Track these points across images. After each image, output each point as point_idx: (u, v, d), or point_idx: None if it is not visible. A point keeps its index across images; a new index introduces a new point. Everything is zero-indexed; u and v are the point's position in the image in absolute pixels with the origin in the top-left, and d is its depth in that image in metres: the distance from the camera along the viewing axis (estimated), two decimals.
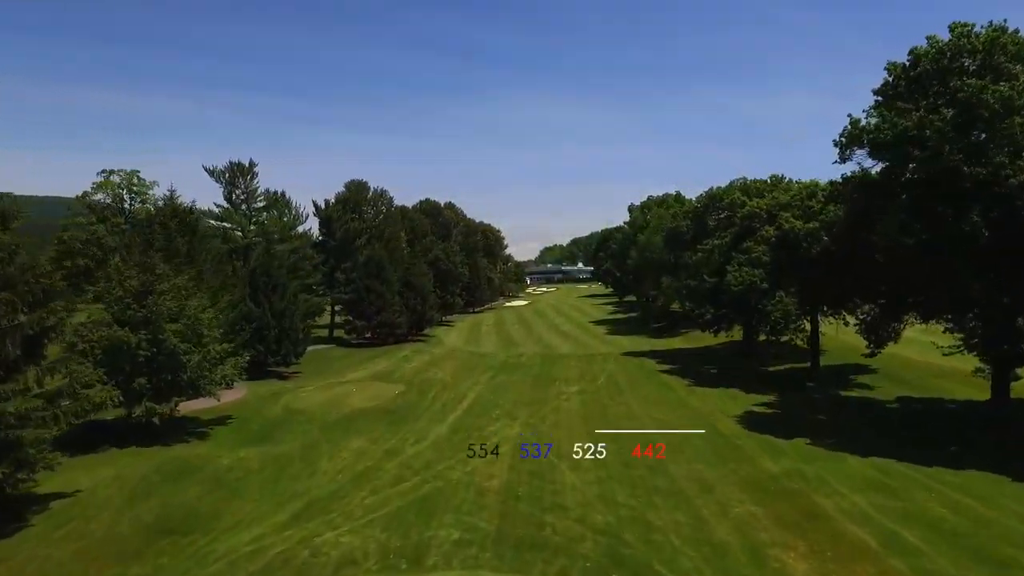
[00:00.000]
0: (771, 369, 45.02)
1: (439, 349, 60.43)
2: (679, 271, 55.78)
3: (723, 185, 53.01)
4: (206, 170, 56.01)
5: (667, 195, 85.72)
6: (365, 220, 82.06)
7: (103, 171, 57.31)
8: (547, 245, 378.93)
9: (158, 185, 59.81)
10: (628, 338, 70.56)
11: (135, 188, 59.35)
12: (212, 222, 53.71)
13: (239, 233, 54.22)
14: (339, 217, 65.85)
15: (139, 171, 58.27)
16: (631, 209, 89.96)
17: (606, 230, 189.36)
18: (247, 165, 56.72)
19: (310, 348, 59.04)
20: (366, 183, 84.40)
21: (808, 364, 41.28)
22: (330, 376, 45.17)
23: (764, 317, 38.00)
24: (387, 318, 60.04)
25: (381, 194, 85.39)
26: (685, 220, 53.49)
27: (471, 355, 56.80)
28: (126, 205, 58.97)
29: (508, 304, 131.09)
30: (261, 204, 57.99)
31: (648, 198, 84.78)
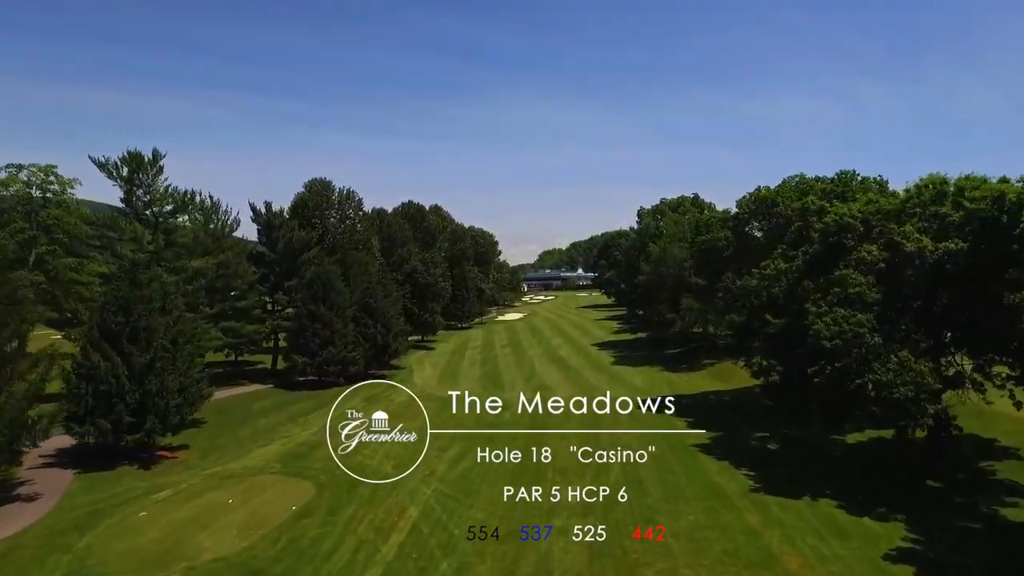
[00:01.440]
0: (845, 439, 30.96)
1: (400, 395, 46.32)
2: (711, 295, 41.81)
3: (770, 185, 39.12)
4: (94, 162, 41.88)
5: (683, 198, 71.71)
6: (328, 227, 68.16)
7: (9, 165, 43.69)
8: (547, 248, 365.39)
9: (80, 183, 45.97)
10: (640, 371, 56.45)
11: (48, 186, 45.37)
12: (88, 228, 39.80)
13: (132, 246, 40.00)
14: (282, 224, 51.74)
15: (56, 166, 44.46)
16: (641, 214, 75.83)
17: (608, 235, 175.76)
18: (150, 157, 42.66)
19: (235, 392, 45.11)
20: (330, 182, 70.54)
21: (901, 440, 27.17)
22: (228, 453, 31.07)
23: (874, 388, 23.68)
24: (334, 354, 45.96)
25: (348, 196, 71.41)
26: (723, 230, 39.44)
27: (440, 406, 42.85)
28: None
29: (501, 317, 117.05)
30: (169, 208, 43.86)
31: (661, 201, 71.00)
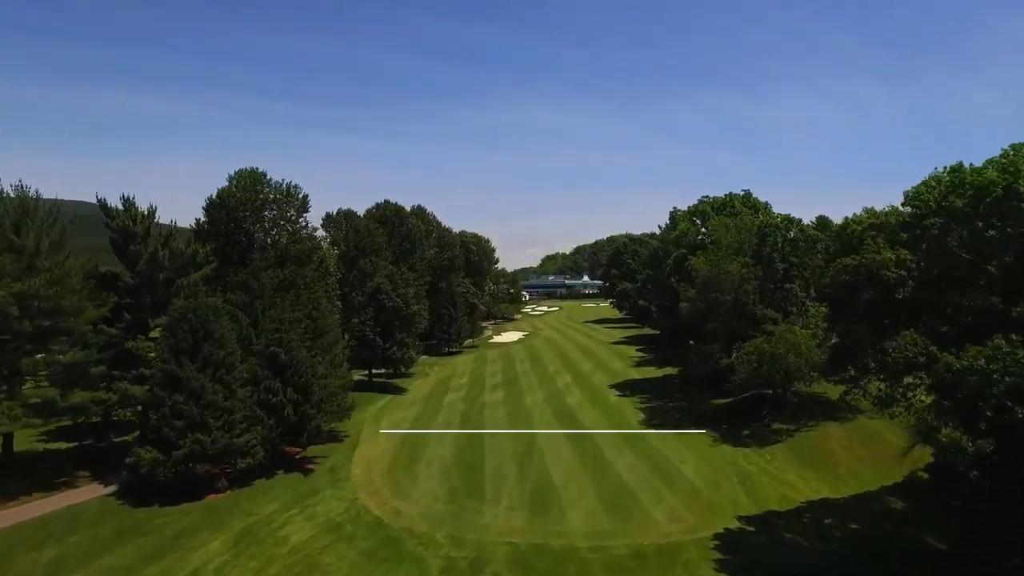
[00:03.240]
0: None
1: (315, 518, 27.26)
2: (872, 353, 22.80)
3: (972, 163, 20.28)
4: None
5: (730, 195, 52.78)
6: (254, 238, 49.61)
7: None
8: (549, 253, 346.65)
9: None
10: (688, 445, 37.59)
11: None
12: None
13: None
14: (146, 231, 33.01)
15: None
16: (676, 216, 56.53)
17: (617, 240, 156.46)
18: None
19: (29, 513, 26.01)
20: (263, 174, 51.96)
21: None
22: None
23: None
24: (206, 443, 27.37)
25: (288, 193, 52.74)
26: (887, 249, 20.38)
27: (382, 547, 24.04)
28: None
29: (497, 338, 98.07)
30: None
31: (700, 200, 51.87)
